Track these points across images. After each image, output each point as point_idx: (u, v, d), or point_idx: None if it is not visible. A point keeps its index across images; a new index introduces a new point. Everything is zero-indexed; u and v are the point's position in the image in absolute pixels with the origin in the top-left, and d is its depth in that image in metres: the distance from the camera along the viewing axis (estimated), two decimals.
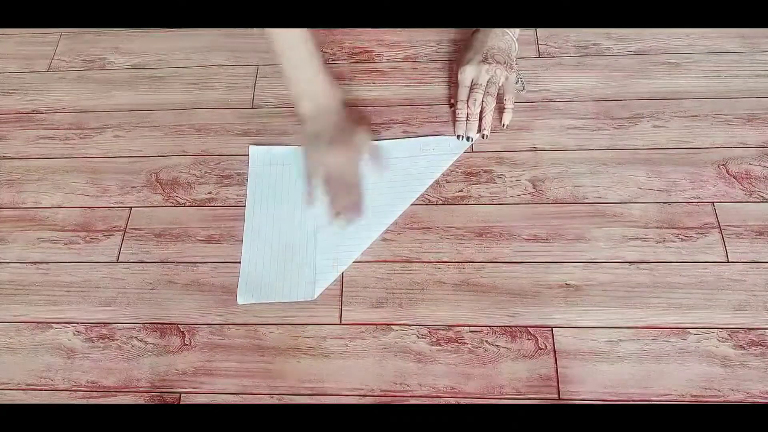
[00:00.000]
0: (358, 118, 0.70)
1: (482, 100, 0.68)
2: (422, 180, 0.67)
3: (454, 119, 0.69)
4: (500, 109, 0.69)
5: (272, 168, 0.69)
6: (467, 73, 0.69)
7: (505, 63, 0.68)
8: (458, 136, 0.69)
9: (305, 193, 0.64)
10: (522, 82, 0.72)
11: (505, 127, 0.69)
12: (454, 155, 0.69)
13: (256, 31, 0.64)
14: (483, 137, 0.69)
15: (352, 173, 0.63)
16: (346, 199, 0.62)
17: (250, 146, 0.71)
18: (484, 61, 0.68)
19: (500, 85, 0.69)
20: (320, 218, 0.65)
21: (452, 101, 0.72)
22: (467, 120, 0.69)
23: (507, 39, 0.70)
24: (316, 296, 0.61)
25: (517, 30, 0.71)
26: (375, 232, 0.64)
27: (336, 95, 0.66)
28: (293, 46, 0.63)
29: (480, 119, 0.68)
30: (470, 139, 0.68)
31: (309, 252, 0.64)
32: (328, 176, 0.63)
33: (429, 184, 0.67)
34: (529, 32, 0.79)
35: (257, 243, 0.65)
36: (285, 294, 0.62)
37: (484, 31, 0.71)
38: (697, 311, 0.58)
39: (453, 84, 0.73)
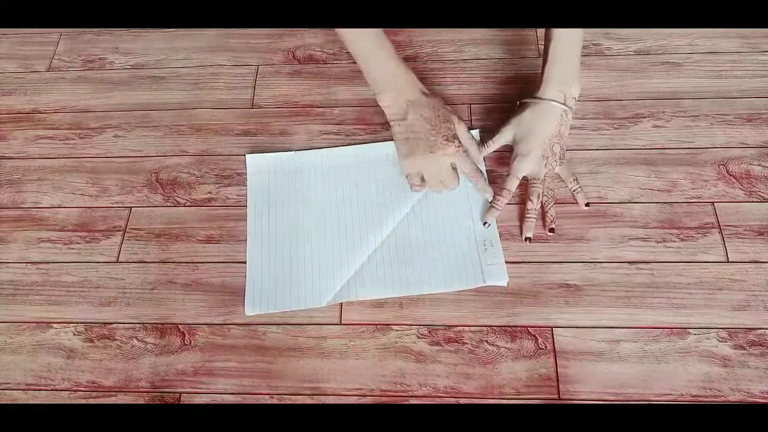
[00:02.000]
0: (441, 102, 0.64)
1: (543, 195, 0.63)
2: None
3: (491, 206, 0.63)
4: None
5: (271, 175, 0.69)
6: (524, 169, 0.64)
7: (561, 154, 0.63)
8: (485, 223, 0.63)
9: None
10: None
11: (553, 231, 0.63)
12: None
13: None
14: (552, 232, 0.62)
15: (464, 166, 0.63)
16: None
17: (247, 155, 0.70)
18: (545, 156, 0.63)
19: (557, 176, 0.65)
20: (324, 224, 0.65)
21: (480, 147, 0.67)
22: (525, 217, 0.63)
23: (569, 119, 0.63)
24: (325, 303, 0.61)
25: (576, 94, 0.63)
26: (381, 235, 0.64)
27: (417, 84, 0.64)
28: (370, 36, 0.61)
29: (543, 214, 0.64)
30: (529, 240, 0.62)
31: (315, 259, 0.63)
32: (437, 183, 0.64)
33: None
34: (530, 32, 0.79)
35: (261, 252, 0.64)
36: (293, 302, 0.61)
37: (551, 115, 0.63)
38: (697, 311, 0.58)
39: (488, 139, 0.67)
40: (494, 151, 0.68)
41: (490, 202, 0.64)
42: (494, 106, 0.73)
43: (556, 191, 0.65)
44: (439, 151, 0.62)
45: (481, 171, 0.65)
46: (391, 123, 0.65)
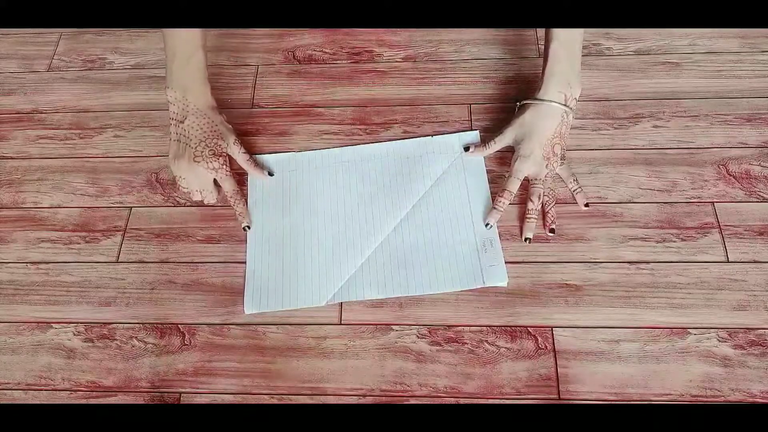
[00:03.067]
0: (230, 129, 0.67)
1: (544, 196, 0.63)
2: (423, 181, 0.67)
3: (494, 206, 0.63)
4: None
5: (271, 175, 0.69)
6: (526, 169, 0.63)
7: (562, 155, 0.64)
8: (487, 224, 0.63)
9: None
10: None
11: (554, 232, 0.63)
12: (454, 155, 0.69)
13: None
14: (552, 233, 0.62)
15: (225, 185, 0.65)
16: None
17: None
18: (546, 157, 0.63)
19: (556, 176, 0.65)
20: (326, 223, 0.65)
21: (471, 146, 0.67)
22: (526, 218, 0.63)
23: (570, 120, 0.63)
24: (324, 303, 0.61)
25: (576, 96, 0.63)
26: (380, 235, 0.64)
27: (206, 96, 0.65)
28: (182, 35, 0.63)
29: (544, 214, 0.64)
30: (529, 240, 0.62)
31: (314, 258, 0.63)
32: (196, 191, 0.65)
33: (429, 185, 0.67)
34: (530, 32, 0.79)
35: (261, 252, 0.64)
36: (293, 302, 0.61)
37: (551, 115, 0.62)
38: (697, 311, 0.58)
39: (489, 139, 0.67)
40: (496, 152, 0.68)
41: (493, 204, 0.64)
42: (494, 106, 0.73)
43: (556, 191, 0.65)
44: (201, 162, 0.63)
45: (240, 196, 0.66)
46: (171, 122, 0.65)
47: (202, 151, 0.63)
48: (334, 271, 0.62)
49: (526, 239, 0.62)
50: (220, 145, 0.64)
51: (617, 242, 0.62)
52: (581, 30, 0.63)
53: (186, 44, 0.63)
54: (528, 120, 0.64)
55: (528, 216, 0.63)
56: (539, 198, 0.63)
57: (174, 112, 0.64)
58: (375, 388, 0.57)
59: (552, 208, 0.64)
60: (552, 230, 0.63)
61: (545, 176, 0.64)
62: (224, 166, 0.64)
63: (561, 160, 0.64)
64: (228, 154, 0.66)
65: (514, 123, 0.65)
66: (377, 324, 0.60)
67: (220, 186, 0.66)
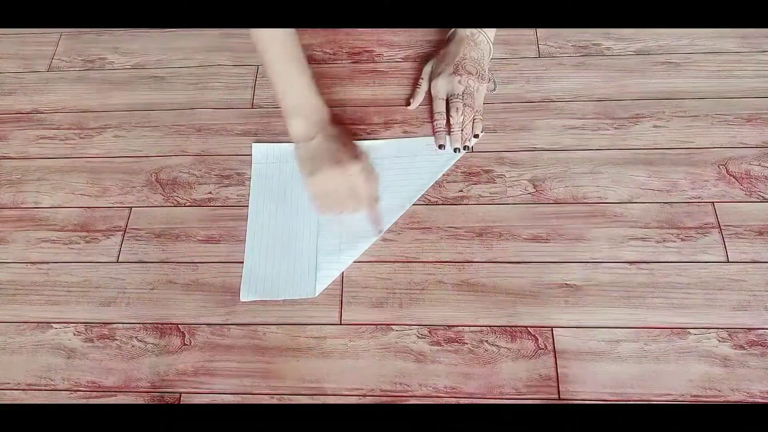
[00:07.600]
0: (347, 128, 0.69)
1: (463, 110, 0.68)
2: (424, 179, 0.67)
3: (434, 131, 0.69)
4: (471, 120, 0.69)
5: (275, 165, 0.70)
6: (440, 86, 0.69)
7: (476, 73, 0.68)
8: (440, 146, 0.68)
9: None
10: (494, 82, 0.72)
11: (478, 137, 0.68)
12: (455, 155, 0.69)
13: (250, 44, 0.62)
14: (467, 149, 0.68)
15: (364, 190, 0.61)
16: (362, 219, 0.63)
17: (253, 143, 0.71)
18: (455, 72, 0.68)
19: (474, 95, 0.69)
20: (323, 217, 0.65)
21: (410, 100, 0.73)
22: (450, 132, 0.68)
23: (481, 47, 0.70)
24: (317, 294, 0.61)
25: (492, 32, 0.71)
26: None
27: (326, 110, 0.64)
28: (284, 60, 0.61)
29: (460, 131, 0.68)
30: (458, 150, 0.68)
31: (311, 249, 0.64)
32: (340, 202, 0.61)
33: (431, 184, 0.67)
34: (529, 32, 0.79)
35: (260, 240, 0.65)
36: (287, 291, 0.62)
37: (456, 41, 0.71)
38: (697, 311, 0.58)
39: (416, 84, 0.74)
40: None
41: (434, 130, 0.69)
42: (494, 105, 0.73)
43: (481, 111, 0.69)
44: (345, 165, 0.59)
45: (377, 200, 0.63)
46: (297, 146, 0.62)
47: (342, 157, 0.60)
48: (329, 265, 0.63)
49: (455, 149, 0.67)
50: (356, 148, 0.62)
51: (617, 242, 0.62)
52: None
53: (290, 71, 0.61)
54: (440, 52, 0.73)
55: (452, 130, 0.68)
56: (458, 111, 0.68)
57: (301, 136, 0.62)
58: (375, 388, 0.57)
59: (470, 126, 0.68)
60: (465, 147, 0.67)
61: (462, 93, 0.68)
62: (365, 168, 0.61)
63: (479, 79, 0.68)
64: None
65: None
66: (377, 324, 0.60)
67: None
